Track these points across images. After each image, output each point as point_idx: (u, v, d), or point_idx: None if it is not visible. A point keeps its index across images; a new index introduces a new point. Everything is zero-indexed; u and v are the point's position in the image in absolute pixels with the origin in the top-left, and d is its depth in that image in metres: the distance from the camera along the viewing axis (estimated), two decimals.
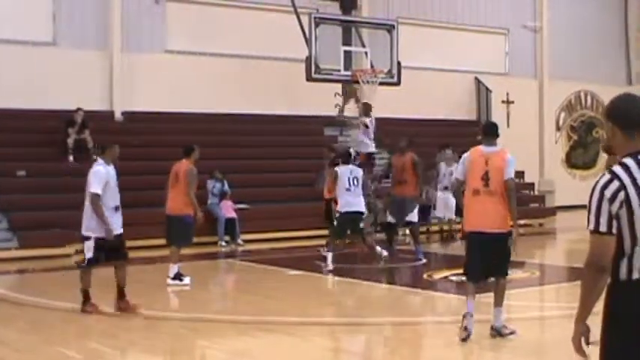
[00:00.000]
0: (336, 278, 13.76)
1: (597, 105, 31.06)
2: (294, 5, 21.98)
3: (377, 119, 24.65)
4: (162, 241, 15.98)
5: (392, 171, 15.91)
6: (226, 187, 19.23)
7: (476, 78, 27.69)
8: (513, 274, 13.58)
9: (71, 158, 19.43)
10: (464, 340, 8.41)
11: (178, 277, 12.85)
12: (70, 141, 19.43)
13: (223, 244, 18.62)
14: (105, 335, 9.38)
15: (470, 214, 8.72)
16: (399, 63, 22.30)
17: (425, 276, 13.69)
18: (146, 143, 20.64)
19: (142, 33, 22.08)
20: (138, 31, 22.00)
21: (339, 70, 21.76)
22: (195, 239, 15.69)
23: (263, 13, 23.72)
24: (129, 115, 21.46)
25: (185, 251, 17.23)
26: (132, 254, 16.77)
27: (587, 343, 3.86)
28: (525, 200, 25.10)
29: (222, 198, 19.07)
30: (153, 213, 18.01)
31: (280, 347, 8.96)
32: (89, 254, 10.35)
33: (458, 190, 9.27)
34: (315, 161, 22.01)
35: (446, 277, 13.29)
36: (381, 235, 20.39)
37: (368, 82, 21.91)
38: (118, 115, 21.51)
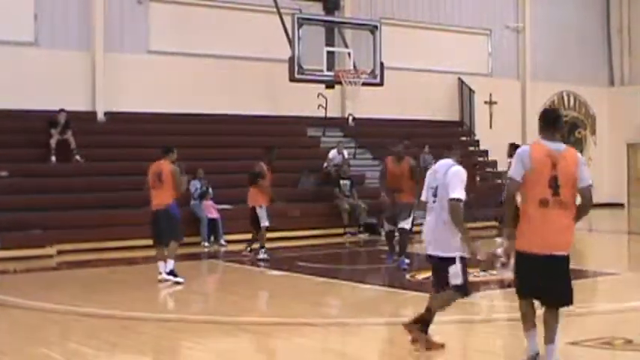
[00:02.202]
0: (319, 279, 13.75)
1: (580, 106, 31.19)
2: (277, 6, 21.96)
3: (360, 120, 24.77)
4: (145, 242, 15.99)
5: (385, 176, 14.68)
6: (207, 187, 19.17)
7: (459, 78, 27.74)
8: (497, 274, 13.64)
9: (53, 159, 19.34)
10: None
11: (173, 273, 12.90)
12: (53, 142, 19.33)
13: (206, 244, 18.57)
14: (87, 336, 9.33)
15: (531, 231, 6.81)
16: (381, 63, 22.34)
17: (408, 276, 13.69)
18: (129, 144, 20.57)
19: (125, 33, 22.00)
20: (120, 31, 21.92)
21: (322, 71, 21.78)
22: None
23: (246, 13, 23.68)
24: (111, 116, 21.38)
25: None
26: (115, 255, 16.86)
27: None
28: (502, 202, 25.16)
29: (203, 198, 19.03)
30: (136, 214, 18.01)
31: (263, 348, 8.94)
32: (457, 280, 8.10)
33: (514, 196, 7.06)
34: (299, 162, 22.05)
35: (429, 278, 13.27)
36: (364, 236, 20.47)
37: (351, 82, 21.95)
38: (100, 116, 21.41)
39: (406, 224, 14.27)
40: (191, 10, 22.98)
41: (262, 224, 16.07)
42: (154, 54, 22.37)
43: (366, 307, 11.44)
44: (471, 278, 8.60)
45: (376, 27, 22.58)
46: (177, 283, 12.81)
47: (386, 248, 15.40)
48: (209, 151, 21.26)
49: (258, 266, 15.47)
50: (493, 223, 22.42)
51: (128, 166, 19.61)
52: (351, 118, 24.82)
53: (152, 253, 13.76)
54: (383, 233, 19.84)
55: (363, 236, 20.50)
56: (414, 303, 11.49)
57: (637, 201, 31.58)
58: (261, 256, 15.96)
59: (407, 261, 14.34)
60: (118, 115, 21.41)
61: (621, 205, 30.50)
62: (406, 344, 8.06)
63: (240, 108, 22.86)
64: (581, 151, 29.94)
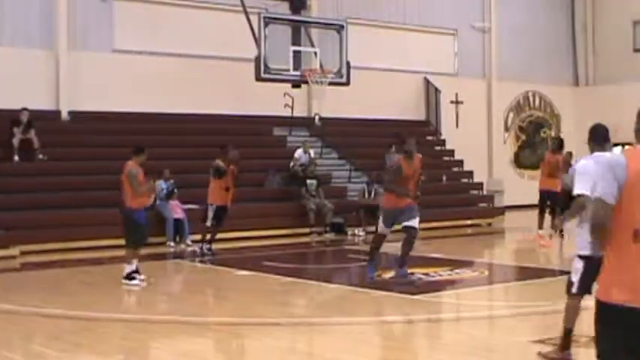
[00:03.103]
0: (285, 278, 13.70)
1: (545, 105, 31.39)
2: (243, 5, 21.86)
3: (326, 119, 24.74)
4: (110, 242, 15.89)
5: (399, 176, 12.80)
6: (173, 187, 19.05)
7: (425, 78, 27.80)
8: (462, 273, 13.70)
9: (16, 158, 19.12)
10: None
11: (130, 276, 12.67)
12: (16, 141, 19.10)
13: (172, 244, 18.46)
14: (50, 337, 9.21)
15: (627, 272, 4.16)
16: (348, 63, 22.32)
17: (375, 275, 13.67)
18: (93, 143, 20.40)
19: (89, 32, 21.79)
20: (84, 29, 21.70)
21: (288, 70, 21.72)
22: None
23: (212, 12, 23.56)
24: (76, 115, 21.18)
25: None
26: (79, 255, 16.70)
27: None
28: (474, 200, 25.31)
29: (169, 198, 18.91)
30: (100, 213, 17.87)
31: (230, 348, 8.88)
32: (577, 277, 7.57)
33: (607, 222, 4.24)
34: (265, 161, 21.99)
35: (395, 277, 13.28)
36: (330, 235, 20.45)
37: (317, 82, 21.92)
38: (64, 115, 21.19)
39: (416, 223, 12.89)
40: (157, 9, 22.82)
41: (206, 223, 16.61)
42: (119, 53, 22.18)
43: (333, 307, 11.41)
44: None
45: (342, 26, 22.56)
46: (134, 285, 12.62)
47: (352, 248, 15.34)
48: (175, 150, 21.12)
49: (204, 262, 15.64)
50: (465, 222, 22.62)
51: (92, 166, 19.45)
52: (317, 117, 24.78)
53: (118, 253, 13.64)
54: (349, 232, 19.93)
55: (330, 236, 20.48)
56: (381, 302, 11.50)
57: None
58: (192, 248, 16.56)
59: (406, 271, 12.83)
60: (83, 115, 21.21)
61: None
62: (374, 342, 8.03)
63: (206, 107, 22.74)
64: (544, 151, 30.24)
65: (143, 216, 12.89)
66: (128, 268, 12.69)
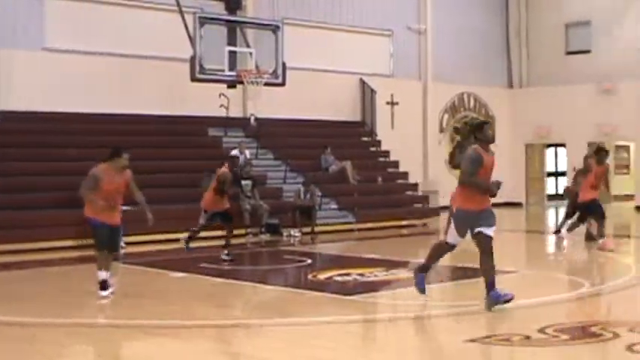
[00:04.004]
0: (221, 280, 13.58)
1: (480, 107, 31.69)
2: (178, 4, 21.68)
3: (261, 120, 24.65)
4: (34, 245, 15.55)
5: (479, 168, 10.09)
6: None
7: (361, 79, 27.86)
8: (398, 273, 13.71)
9: None
10: None
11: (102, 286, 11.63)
12: None
13: None
14: None
15: None
16: (283, 64, 22.28)
17: (310, 276, 13.64)
18: (25, 144, 20.01)
19: (19, 29, 21.39)
20: (14, 27, 21.30)
21: (223, 71, 21.61)
22: (74, 242, 15.29)
23: (147, 11, 23.34)
24: (5, 115, 20.74)
25: (67, 254, 16.83)
26: (24, 257, 16.34)
27: None
28: (409, 201, 25.42)
29: None
30: (30, 215, 17.55)
31: (165, 351, 8.74)
32: None
33: None
34: (200, 162, 21.79)
35: (330, 278, 13.26)
36: (266, 237, 20.37)
37: (253, 82, 21.83)
38: None
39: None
40: (90, 7, 22.50)
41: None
42: (50, 51, 21.80)
43: (269, 308, 11.33)
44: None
45: (278, 27, 22.51)
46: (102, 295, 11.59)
47: (288, 248, 15.25)
48: (106, 151, 20.77)
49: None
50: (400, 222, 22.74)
51: (22, 167, 19.11)
52: (252, 118, 24.68)
53: (48, 255, 13.38)
54: (285, 234, 19.83)
55: (265, 237, 20.40)
56: (317, 303, 11.45)
57: (535, 200, 32.31)
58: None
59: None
60: (13, 114, 20.78)
61: (519, 205, 31.11)
62: (308, 343, 7.97)
63: (140, 108, 22.49)
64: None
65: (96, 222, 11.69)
66: (100, 275, 11.69)
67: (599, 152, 17.49)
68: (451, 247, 10.47)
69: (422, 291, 10.72)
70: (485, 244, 9.93)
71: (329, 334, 9.17)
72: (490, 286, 9.87)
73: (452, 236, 10.23)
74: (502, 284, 10.14)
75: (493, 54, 32.40)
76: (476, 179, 9.95)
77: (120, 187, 11.72)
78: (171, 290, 13.07)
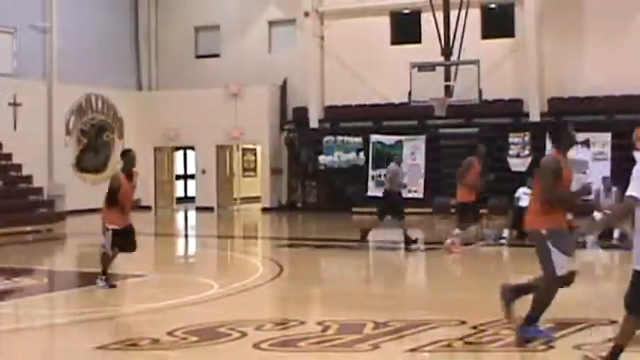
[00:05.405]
0: None
1: (108, 108, 31.22)
2: None
3: None
4: None
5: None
6: None
7: None
8: (21, 281, 13.06)
9: None
10: None
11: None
12: None
13: None
14: None
15: None
16: None
17: None
18: None
19: None
20: None
21: None
22: None
23: None
24: None
25: None
26: None
27: None
28: (33, 205, 24.36)
29: None
30: None
31: None
32: None
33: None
34: None
35: None
36: None
37: None
38: None
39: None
40: None
41: None
42: None
43: None
44: None
45: None
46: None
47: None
48: None
49: None
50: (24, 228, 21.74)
51: None
52: None
53: None
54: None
55: None
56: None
57: (163, 203, 32.44)
58: None
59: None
60: None
61: (149, 208, 31.06)
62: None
63: None
64: (108, 155, 30.16)
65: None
66: None
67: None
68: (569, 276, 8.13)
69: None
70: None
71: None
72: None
73: (560, 267, 7.95)
74: (130, 289, 10.00)
75: (122, 55, 32.14)
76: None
77: None
78: None
